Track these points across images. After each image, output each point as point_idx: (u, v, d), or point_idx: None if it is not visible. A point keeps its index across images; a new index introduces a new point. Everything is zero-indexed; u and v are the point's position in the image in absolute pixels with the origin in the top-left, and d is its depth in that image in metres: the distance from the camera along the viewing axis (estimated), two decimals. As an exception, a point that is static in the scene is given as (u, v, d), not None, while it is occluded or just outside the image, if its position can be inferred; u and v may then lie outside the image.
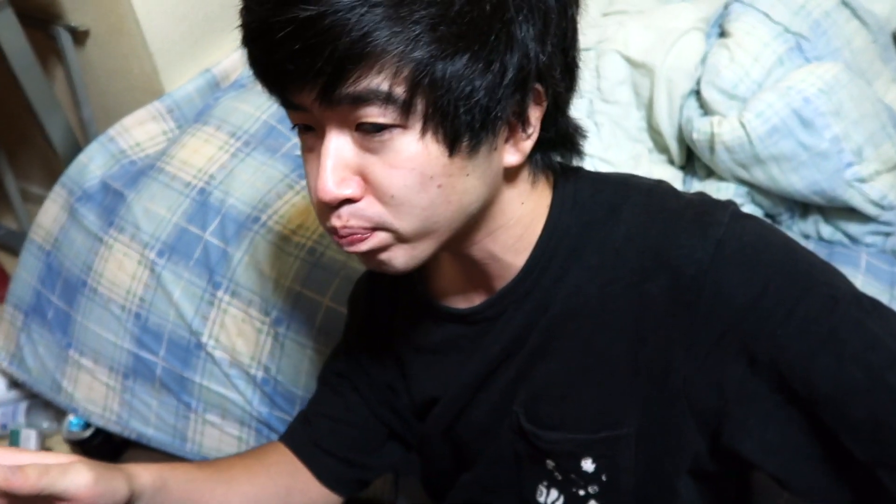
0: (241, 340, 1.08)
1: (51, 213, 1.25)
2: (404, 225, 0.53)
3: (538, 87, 0.53)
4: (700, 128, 1.06)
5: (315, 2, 0.46)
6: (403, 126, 0.49)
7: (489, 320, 0.64)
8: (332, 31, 0.46)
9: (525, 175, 0.59)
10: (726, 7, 1.17)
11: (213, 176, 1.15)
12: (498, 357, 0.64)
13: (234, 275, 1.09)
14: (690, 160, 1.16)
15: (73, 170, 1.25)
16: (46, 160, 1.64)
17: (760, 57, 1.08)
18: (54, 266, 1.22)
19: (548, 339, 0.61)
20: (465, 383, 0.66)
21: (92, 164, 1.24)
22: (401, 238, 0.54)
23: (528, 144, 0.55)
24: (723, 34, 1.15)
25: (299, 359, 1.05)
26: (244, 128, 1.22)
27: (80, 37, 1.33)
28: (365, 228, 0.53)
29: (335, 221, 0.54)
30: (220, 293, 1.09)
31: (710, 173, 1.11)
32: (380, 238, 0.54)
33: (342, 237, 0.55)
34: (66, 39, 1.32)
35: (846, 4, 1.14)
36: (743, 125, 1.00)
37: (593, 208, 0.60)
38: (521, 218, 0.60)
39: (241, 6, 0.51)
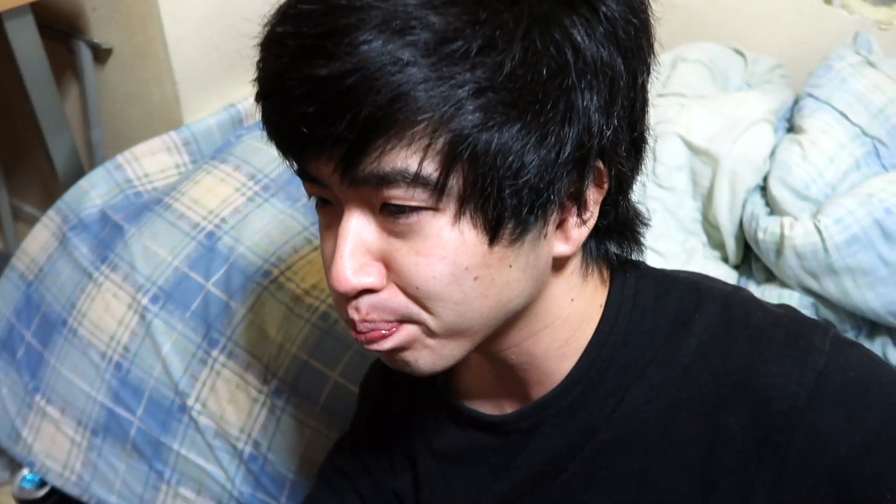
0: (231, 408, 0.95)
1: (40, 240, 1.14)
2: (434, 320, 0.44)
3: (600, 165, 0.45)
4: (767, 227, 0.97)
5: (338, 57, 0.38)
6: (435, 209, 0.41)
7: (523, 433, 0.54)
8: (355, 92, 0.38)
9: (576, 266, 0.50)
10: (797, 101, 1.10)
11: (225, 220, 1.05)
12: (530, 480, 0.53)
13: (234, 333, 0.97)
14: (747, 260, 1.07)
15: (71, 195, 1.15)
16: (45, 179, 1.55)
17: (836, 158, 1.00)
18: (34, 299, 1.10)
19: (593, 468, 0.50)
20: None
21: (93, 192, 1.14)
22: (430, 333, 0.45)
23: (583, 232, 0.47)
24: (792, 129, 1.08)
25: (296, 438, 0.92)
26: (265, 171, 1.12)
27: (101, 54, 1.25)
28: (389, 322, 0.45)
29: (353, 314, 0.45)
30: (215, 352, 0.97)
31: (769, 277, 1.02)
32: (407, 333, 0.45)
33: (360, 332, 0.46)
34: (86, 55, 1.24)
35: (925, 113, 1.07)
36: (819, 230, 0.91)
37: (657, 314, 0.51)
38: (570, 318, 0.51)
39: (257, 57, 0.43)
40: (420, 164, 0.40)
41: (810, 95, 1.06)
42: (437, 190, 0.41)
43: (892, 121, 1.04)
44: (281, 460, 0.93)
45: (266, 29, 0.43)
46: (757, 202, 1.02)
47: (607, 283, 0.53)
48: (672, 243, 1.05)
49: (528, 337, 0.51)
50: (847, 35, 1.22)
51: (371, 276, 0.44)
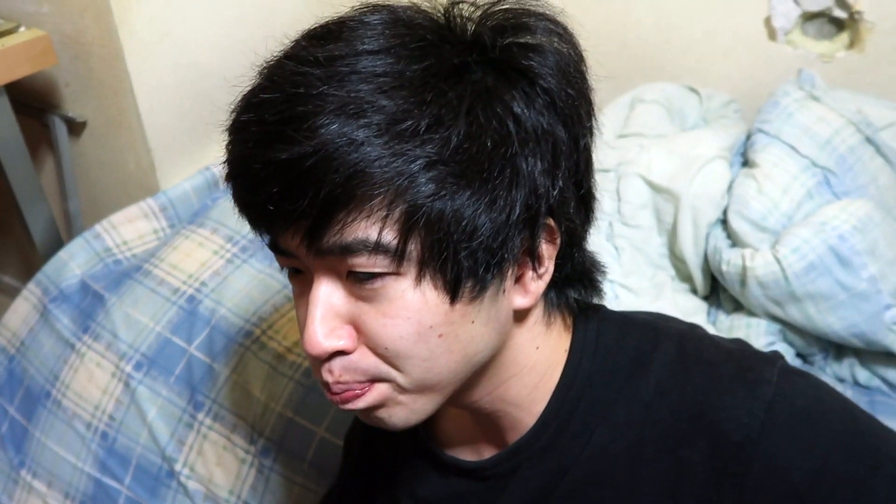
0: (220, 471, 0.96)
1: (20, 313, 1.14)
2: (403, 377, 0.47)
3: (550, 222, 0.48)
4: (730, 260, 1.00)
5: (298, 142, 0.41)
6: (396, 273, 0.44)
7: (501, 477, 0.56)
8: (315, 171, 0.41)
9: (539, 316, 0.53)
10: (748, 137, 1.15)
11: (205, 283, 1.07)
12: None
13: (218, 395, 0.98)
14: (715, 291, 1.10)
15: (50, 267, 1.16)
16: (24, 249, 1.55)
17: (789, 189, 1.04)
18: (16, 373, 1.10)
19: None
20: None
21: (72, 262, 1.15)
22: (401, 390, 0.48)
23: (540, 285, 0.50)
24: (746, 163, 1.12)
25: (285, 496, 0.93)
26: (242, 232, 1.14)
27: (76, 127, 1.27)
28: (361, 383, 0.48)
29: (327, 376, 0.48)
30: (200, 415, 0.98)
31: (737, 307, 1.05)
32: (379, 392, 0.48)
33: (335, 393, 0.48)
34: (60, 129, 1.26)
35: (870, 141, 1.12)
36: (778, 260, 0.95)
37: (619, 355, 0.53)
38: (536, 365, 0.53)
39: (226, 144, 0.47)
40: (379, 233, 0.43)
41: (760, 131, 1.11)
42: (397, 256, 0.44)
43: (839, 151, 1.09)
44: (271, 520, 0.94)
45: (232, 116, 0.47)
46: (719, 235, 1.06)
47: (570, 329, 0.56)
48: (641, 279, 1.08)
49: (498, 385, 0.53)
50: (794, 68, 1.28)
51: (342, 339, 0.47)
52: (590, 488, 0.52)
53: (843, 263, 0.94)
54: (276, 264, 1.07)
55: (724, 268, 1.01)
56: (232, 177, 0.47)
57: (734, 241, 1.04)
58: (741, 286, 0.99)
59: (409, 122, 0.42)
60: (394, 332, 0.45)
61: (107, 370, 1.03)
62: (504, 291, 0.48)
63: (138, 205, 1.23)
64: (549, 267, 0.50)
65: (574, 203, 0.50)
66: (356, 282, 0.45)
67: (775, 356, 0.51)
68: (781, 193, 1.04)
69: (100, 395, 1.02)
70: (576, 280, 0.55)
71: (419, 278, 0.45)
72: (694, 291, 1.11)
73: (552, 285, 0.52)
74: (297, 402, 0.95)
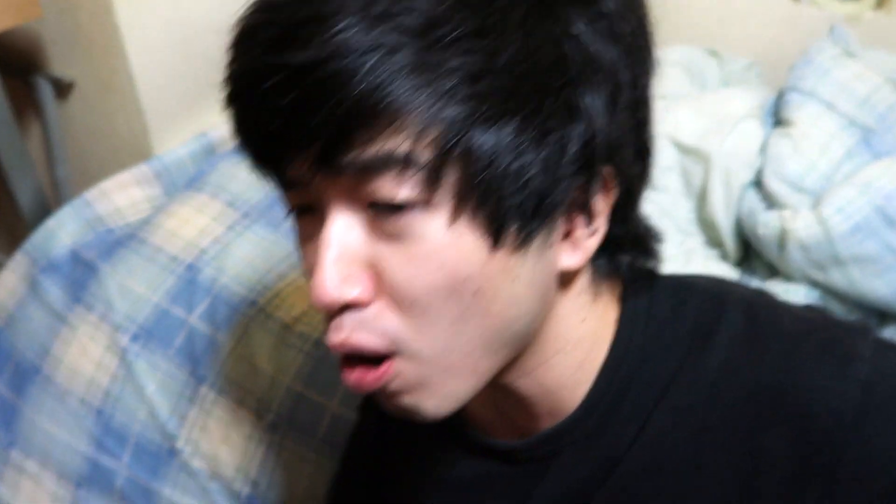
0: (225, 448, 0.90)
1: (7, 285, 1.07)
2: (424, 345, 0.40)
3: (607, 170, 0.42)
4: (767, 222, 0.95)
5: (316, 45, 0.34)
6: (427, 203, 0.37)
7: (539, 461, 0.49)
8: (334, 81, 0.35)
9: (585, 283, 0.46)
10: (781, 96, 1.09)
11: (205, 250, 1.00)
12: None
13: (222, 368, 0.91)
14: (747, 257, 1.05)
15: (39, 236, 1.08)
16: (8, 224, 1.47)
17: (827, 149, 0.98)
18: (4, 347, 1.03)
19: (619, 502, 0.46)
20: None
21: (62, 231, 1.08)
22: (426, 369, 0.41)
23: (592, 242, 0.43)
24: (779, 124, 1.06)
25: (296, 474, 0.87)
26: (244, 197, 1.07)
27: (63, 89, 1.20)
28: (374, 348, 0.40)
29: (334, 336, 0.40)
30: (203, 389, 0.91)
31: (773, 273, 0.99)
32: (397, 370, 0.41)
33: (346, 361, 0.41)
34: (46, 91, 1.18)
35: (908, 99, 1.07)
36: (822, 220, 0.89)
37: (675, 328, 0.47)
38: (582, 340, 0.46)
39: (227, 59, 0.40)
40: (410, 149, 0.36)
41: (794, 89, 1.05)
42: (431, 180, 0.37)
43: (878, 109, 1.03)
44: (282, 499, 0.88)
45: (237, 24, 0.40)
46: (753, 198, 1.00)
47: (618, 300, 0.49)
48: (670, 245, 1.03)
49: (539, 365, 0.46)
50: (818, 32, 1.22)
51: (357, 287, 0.39)
52: (645, 481, 0.45)
53: (891, 225, 0.89)
54: (281, 231, 1.01)
55: (760, 231, 0.96)
56: (233, 96, 0.40)
57: (770, 203, 0.99)
58: (779, 250, 0.94)
59: (448, 27, 0.35)
60: (421, 282, 0.38)
61: (101, 343, 0.97)
62: (551, 246, 0.42)
63: (131, 171, 1.15)
64: (602, 222, 0.43)
65: (633, 152, 0.44)
66: (378, 216, 0.38)
67: (865, 326, 0.45)
68: (819, 153, 0.98)
69: (94, 369, 0.96)
70: (628, 245, 0.48)
71: (455, 215, 0.38)
72: (725, 258, 1.05)
73: (602, 250, 0.46)
74: (307, 375, 0.88)
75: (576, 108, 0.38)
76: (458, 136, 0.36)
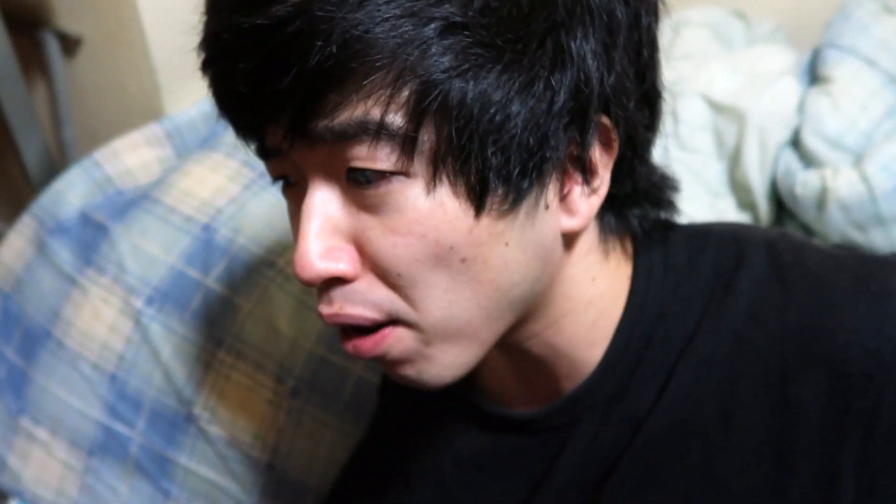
0: (244, 414, 0.87)
1: (15, 248, 1.04)
2: (422, 316, 0.38)
3: (605, 121, 0.38)
4: (806, 181, 0.92)
5: (281, 3, 0.33)
6: (404, 173, 0.35)
7: (557, 431, 0.47)
8: (300, 40, 0.32)
9: (593, 242, 0.44)
10: (816, 54, 1.05)
11: (221, 210, 0.96)
12: (576, 487, 0.46)
13: (240, 331, 0.89)
14: (780, 220, 1.02)
15: (46, 198, 1.05)
16: (13, 189, 1.44)
17: (868, 106, 0.95)
18: (13, 312, 1.00)
19: (647, 465, 0.43)
20: None
21: (70, 193, 1.05)
22: (425, 339, 0.39)
23: (593, 202, 0.40)
24: (815, 80, 1.03)
25: (318, 441, 0.85)
26: (259, 157, 1.04)
27: (70, 45, 1.16)
28: (370, 319, 0.38)
29: (325, 308, 0.39)
30: (221, 353, 0.88)
31: (808, 235, 0.96)
32: (400, 340, 0.39)
33: (343, 329, 0.40)
34: (53, 47, 1.14)
35: (951, 57, 1.03)
36: (866, 179, 0.86)
37: (694, 277, 0.44)
38: (594, 300, 0.44)
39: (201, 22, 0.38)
40: (383, 114, 0.34)
41: (832, 45, 1.02)
42: (406, 147, 0.34)
43: (920, 66, 1.00)
44: (303, 467, 0.85)
45: None
46: (790, 157, 0.97)
47: (632, 254, 0.46)
48: (700, 207, 0.99)
49: (548, 326, 0.44)
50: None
51: (341, 261, 0.38)
52: (672, 441, 0.43)
53: (937, 183, 0.86)
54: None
55: (798, 191, 0.92)
56: (207, 62, 0.38)
57: (807, 162, 0.96)
58: (818, 210, 0.91)
59: None
60: (405, 253, 0.36)
61: (114, 306, 0.93)
62: (547, 207, 0.39)
63: (141, 131, 1.12)
64: (604, 179, 0.41)
65: (635, 99, 0.40)
66: (356, 185, 0.36)
67: None
68: (859, 110, 0.94)
69: (107, 333, 0.93)
70: (639, 200, 0.45)
71: (434, 181, 0.35)
72: (756, 221, 1.02)
73: (609, 206, 0.43)
74: (330, 338, 0.85)
75: (565, 53, 0.35)
76: (435, 91, 0.33)
